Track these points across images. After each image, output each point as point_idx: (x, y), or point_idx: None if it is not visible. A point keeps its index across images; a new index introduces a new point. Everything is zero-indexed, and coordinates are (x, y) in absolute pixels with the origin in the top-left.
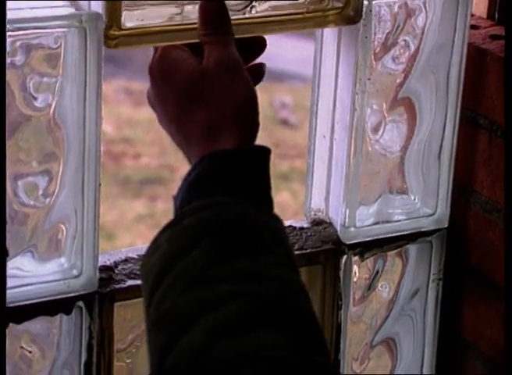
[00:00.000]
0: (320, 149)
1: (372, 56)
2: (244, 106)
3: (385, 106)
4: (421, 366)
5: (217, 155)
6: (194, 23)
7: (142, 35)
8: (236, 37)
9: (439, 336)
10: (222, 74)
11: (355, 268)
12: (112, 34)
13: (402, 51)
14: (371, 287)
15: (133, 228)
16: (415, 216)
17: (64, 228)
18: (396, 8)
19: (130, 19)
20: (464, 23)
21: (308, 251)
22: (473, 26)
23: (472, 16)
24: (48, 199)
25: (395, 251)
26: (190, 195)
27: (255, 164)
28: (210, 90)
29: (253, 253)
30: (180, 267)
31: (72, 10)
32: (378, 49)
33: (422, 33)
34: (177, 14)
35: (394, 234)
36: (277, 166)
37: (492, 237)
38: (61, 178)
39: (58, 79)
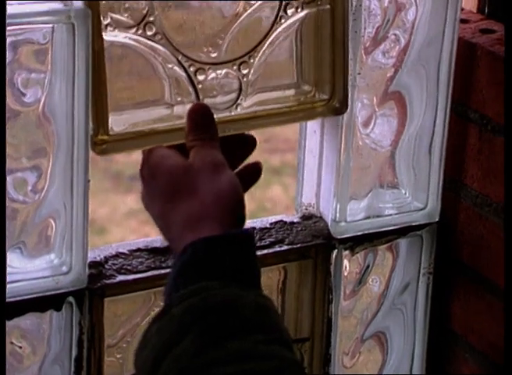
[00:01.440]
0: (311, 144)
1: (362, 50)
2: (227, 197)
3: (375, 100)
4: (412, 360)
5: (200, 243)
6: (181, 125)
7: (130, 140)
8: (225, 135)
9: (429, 330)
10: (206, 169)
11: (346, 262)
12: (99, 140)
13: (392, 45)
14: (361, 281)
15: (125, 223)
16: (406, 210)
17: (53, 224)
18: (386, 3)
19: (117, 123)
20: (454, 17)
21: (299, 245)
22: (463, 21)
23: (462, 10)
24: (37, 195)
25: (385, 246)
26: (176, 284)
27: (239, 248)
28: (194, 184)
29: (242, 333)
30: (172, 357)
31: (60, 6)
32: (368, 43)
33: (412, 27)
34: (165, 116)
35: (385, 229)
36: (268, 160)
37: (482, 231)
38: (50, 174)
39: (46, 74)
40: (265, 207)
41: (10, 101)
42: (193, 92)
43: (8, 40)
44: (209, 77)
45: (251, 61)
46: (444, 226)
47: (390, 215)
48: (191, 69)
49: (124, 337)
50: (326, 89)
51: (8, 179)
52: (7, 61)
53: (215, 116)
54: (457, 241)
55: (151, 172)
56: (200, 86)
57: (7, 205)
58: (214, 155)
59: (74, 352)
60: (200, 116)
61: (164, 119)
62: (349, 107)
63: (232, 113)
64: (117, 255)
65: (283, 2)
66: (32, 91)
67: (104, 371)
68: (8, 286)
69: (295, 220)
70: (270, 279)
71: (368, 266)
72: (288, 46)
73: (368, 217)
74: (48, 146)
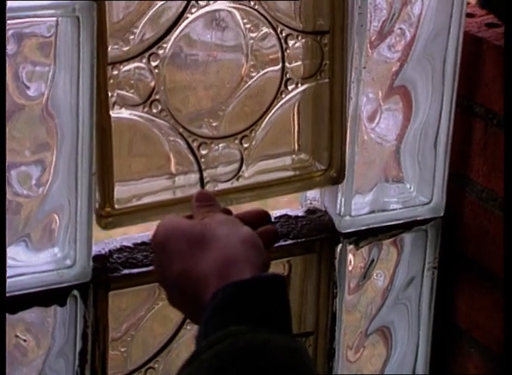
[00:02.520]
0: None
1: (368, 44)
2: (251, 241)
3: (380, 95)
4: (416, 354)
5: (230, 287)
6: (184, 196)
7: (134, 213)
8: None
9: (433, 324)
10: (223, 223)
11: (350, 257)
12: (105, 212)
13: (398, 39)
14: (366, 275)
15: None
16: (411, 204)
17: (57, 218)
18: None
19: (122, 194)
20: (460, 11)
21: (304, 239)
22: (469, 15)
23: (468, 4)
24: (41, 189)
25: (390, 240)
26: (206, 330)
27: (269, 291)
28: (215, 235)
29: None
30: None
31: None
32: (373, 37)
33: (418, 21)
34: (169, 187)
35: (389, 223)
36: None
37: (487, 225)
38: (54, 167)
39: (51, 68)
40: (267, 202)
41: (14, 94)
42: (195, 164)
43: (13, 33)
44: (211, 150)
45: (252, 135)
46: (449, 220)
47: (395, 209)
48: (194, 143)
49: (128, 331)
50: (324, 159)
51: (12, 173)
52: (11, 53)
53: (216, 188)
54: (462, 236)
55: (167, 236)
56: (202, 159)
57: (11, 199)
58: (227, 216)
59: (78, 346)
60: (205, 195)
61: (166, 190)
62: (354, 101)
63: (234, 185)
64: (121, 249)
65: (284, 78)
66: (36, 84)
67: (109, 364)
68: (12, 279)
69: (300, 214)
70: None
71: (372, 261)
72: (288, 117)
73: (372, 211)
74: (52, 140)
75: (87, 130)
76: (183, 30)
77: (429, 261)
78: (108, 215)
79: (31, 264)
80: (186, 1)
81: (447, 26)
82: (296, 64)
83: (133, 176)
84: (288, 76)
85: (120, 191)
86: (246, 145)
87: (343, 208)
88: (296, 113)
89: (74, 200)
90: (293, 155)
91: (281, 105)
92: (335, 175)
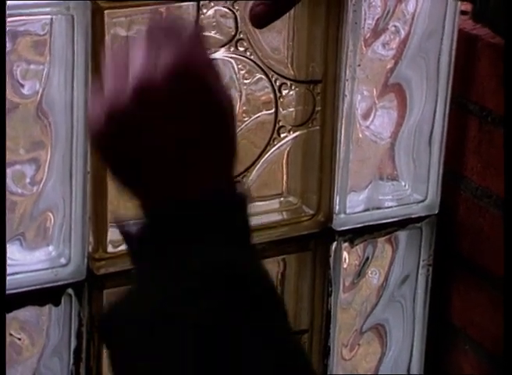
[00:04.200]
0: None
1: (362, 42)
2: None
3: (375, 92)
4: (411, 352)
5: None
6: None
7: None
8: None
9: (428, 322)
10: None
11: (345, 254)
12: (98, 255)
13: (392, 36)
14: (361, 273)
15: None
16: (405, 202)
17: (52, 216)
18: None
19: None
20: (455, 9)
21: (298, 237)
22: (464, 12)
23: (463, 1)
24: (35, 187)
25: (385, 238)
26: None
27: None
28: None
29: None
30: None
31: None
32: (368, 35)
33: (412, 18)
34: None
35: (384, 221)
36: None
37: (482, 223)
38: (49, 166)
39: (45, 66)
40: None
41: (9, 92)
42: None
43: (7, 31)
44: None
45: (244, 180)
46: (444, 218)
47: (390, 207)
48: None
49: None
50: (312, 203)
51: (7, 171)
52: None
53: None
54: (457, 233)
55: None
56: None
57: (6, 197)
58: None
59: (73, 344)
60: None
61: None
62: (348, 99)
63: None
64: None
65: (277, 125)
66: (31, 82)
67: (103, 363)
68: (7, 278)
69: None
70: (269, 271)
71: (367, 258)
72: (278, 160)
73: (367, 209)
74: (47, 138)
75: (81, 129)
76: None
77: (424, 258)
78: (101, 258)
79: (26, 263)
80: None
81: (441, 24)
82: (289, 110)
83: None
84: (281, 123)
85: (115, 232)
86: None
87: (337, 206)
88: (286, 157)
89: (69, 198)
90: (282, 198)
91: (272, 152)
92: (323, 220)
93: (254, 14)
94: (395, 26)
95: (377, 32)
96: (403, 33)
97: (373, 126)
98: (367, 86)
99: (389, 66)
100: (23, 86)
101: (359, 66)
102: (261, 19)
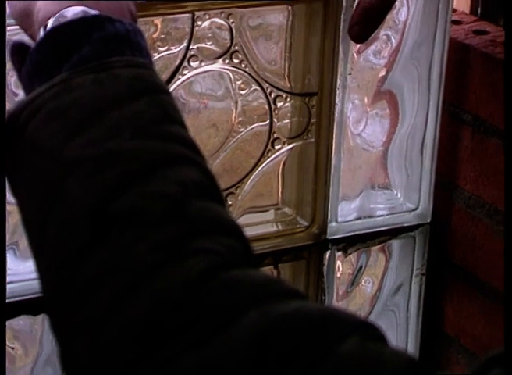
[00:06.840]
0: None
1: (353, 50)
2: None
3: (366, 101)
4: None
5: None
6: None
7: None
8: None
9: (421, 331)
10: None
11: (338, 263)
12: None
13: (383, 45)
14: (354, 282)
15: None
16: (398, 210)
17: None
18: None
19: None
20: (446, 18)
21: (292, 246)
22: (456, 22)
23: (455, 11)
24: None
25: (378, 247)
26: (109, 50)
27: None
28: None
29: (184, 126)
30: (124, 113)
31: None
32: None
33: (404, 27)
34: None
35: (377, 229)
36: None
37: (474, 232)
38: None
39: None
40: None
41: None
42: None
43: None
44: None
45: (237, 191)
46: (436, 227)
47: (382, 215)
48: None
49: None
50: (307, 215)
51: None
52: None
53: None
54: (450, 242)
55: None
56: None
57: None
58: None
59: None
60: None
61: None
62: (339, 107)
63: None
64: None
65: (271, 137)
66: None
67: None
68: None
69: None
70: None
71: (360, 267)
72: (273, 171)
73: (359, 218)
74: None
75: None
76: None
77: (417, 267)
78: None
79: (19, 272)
80: (178, 62)
81: (433, 33)
82: (284, 122)
83: None
84: (275, 135)
85: None
86: (231, 202)
87: (329, 215)
88: (281, 168)
89: None
90: (276, 209)
91: (267, 164)
92: (317, 232)
93: (353, 36)
94: (386, 34)
95: (368, 41)
96: (394, 42)
97: (365, 135)
98: (358, 94)
99: (380, 75)
100: (17, 95)
101: (350, 74)
102: (361, 38)
